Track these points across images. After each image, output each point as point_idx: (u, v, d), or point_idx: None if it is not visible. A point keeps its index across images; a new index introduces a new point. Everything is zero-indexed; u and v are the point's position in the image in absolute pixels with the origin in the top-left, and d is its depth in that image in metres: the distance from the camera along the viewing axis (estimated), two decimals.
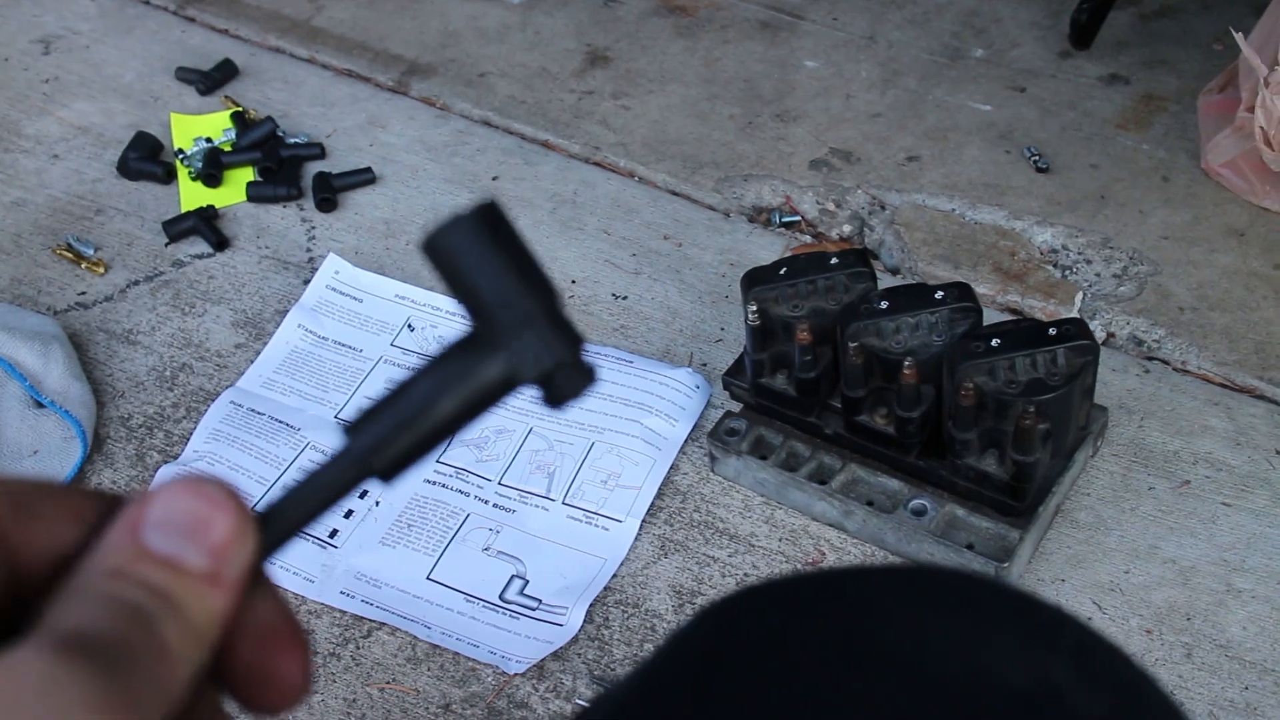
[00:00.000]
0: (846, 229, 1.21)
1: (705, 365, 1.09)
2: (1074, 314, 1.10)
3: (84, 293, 1.19)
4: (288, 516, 0.31)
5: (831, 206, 1.22)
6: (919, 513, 0.93)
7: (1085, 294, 1.11)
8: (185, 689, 0.28)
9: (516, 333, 0.31)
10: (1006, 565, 0.90)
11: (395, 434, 0.32)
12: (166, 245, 1.23)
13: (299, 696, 0.31)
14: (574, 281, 1.17)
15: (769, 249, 1.19)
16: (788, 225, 1.21)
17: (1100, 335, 1.08)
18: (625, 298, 1.15)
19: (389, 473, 0.32)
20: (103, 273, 1.21)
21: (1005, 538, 0.91)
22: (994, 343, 0.89)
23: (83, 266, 1.21)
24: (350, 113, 1.37)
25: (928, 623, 0.38)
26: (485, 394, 0.32)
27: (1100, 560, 0.93)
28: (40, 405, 1.05)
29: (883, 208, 1.21)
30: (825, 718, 0.36)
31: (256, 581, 0.31)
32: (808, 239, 1.21)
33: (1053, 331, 0.89)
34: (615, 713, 0.40)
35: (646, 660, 0.42)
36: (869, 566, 0.43)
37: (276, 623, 0.31)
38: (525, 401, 1.06)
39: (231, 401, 1.08)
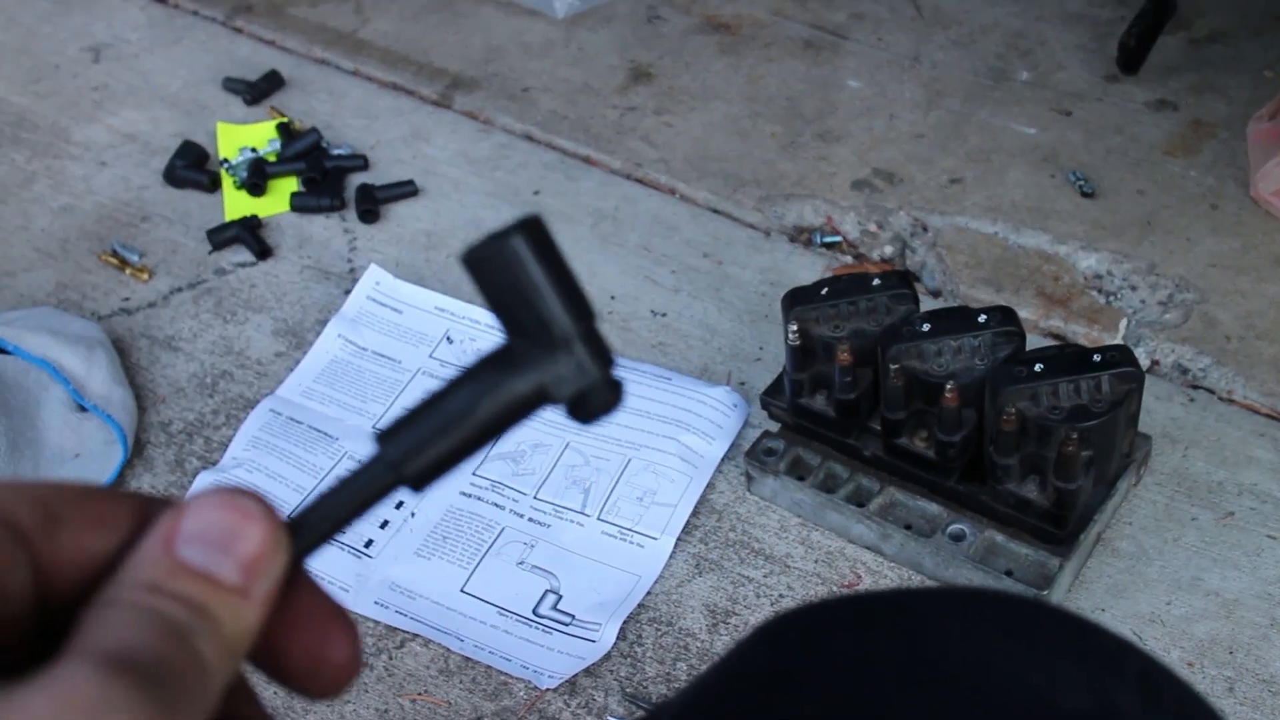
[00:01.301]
0: (888, 250, 1.20)
1: (743, 384, 1.09)
2: (1118, 341, 1.09)
3: (128, 298, 1.21)
4: (319, 524, 0.32)
5: (873, 227, 1.21)
6: (958, 538, 0.92)
7: (1130, 321, 1.10)
8: (218, 701, 0.28)
9: (552, 352, 0.32)
10: (1046, 593, 0.89)
11: (427, 443, 0.32)
12: (210, 253, 1.24)
13: (351, 677, 0.31)
14: (613, 297, 1.17)
15: (809, 269, 1.18)
16: (829, 245, 1.21)
17: (1145, 363, 1.07)
18: (664, 314, 1.15)
19: (420, 481, 0.32)
20: (147, 279, 1.22)
21: (1045, 565, 0.90)
22: (1037, 368, 0.88)
23: (127, 273, 1.22)
24: (394, 125, 1.38)
25: (992, 646, 0.38)
26: (516, 409, 0.32)
27: (1141, 590, 0.92)
28: (83, 409, 1.06)
29: (925, 229, 1.20)
30: None
31: (296, 578, 0.31)
32: (849, 260, 1.20)
33: (1097, 358, 0.88)
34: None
35: (707, 673, 0.42)
36: (933, 588, 0.43)
37: (321, 613, 0.31)
38: (563, 417, 1.05)
39: (271, 410, 1.08)
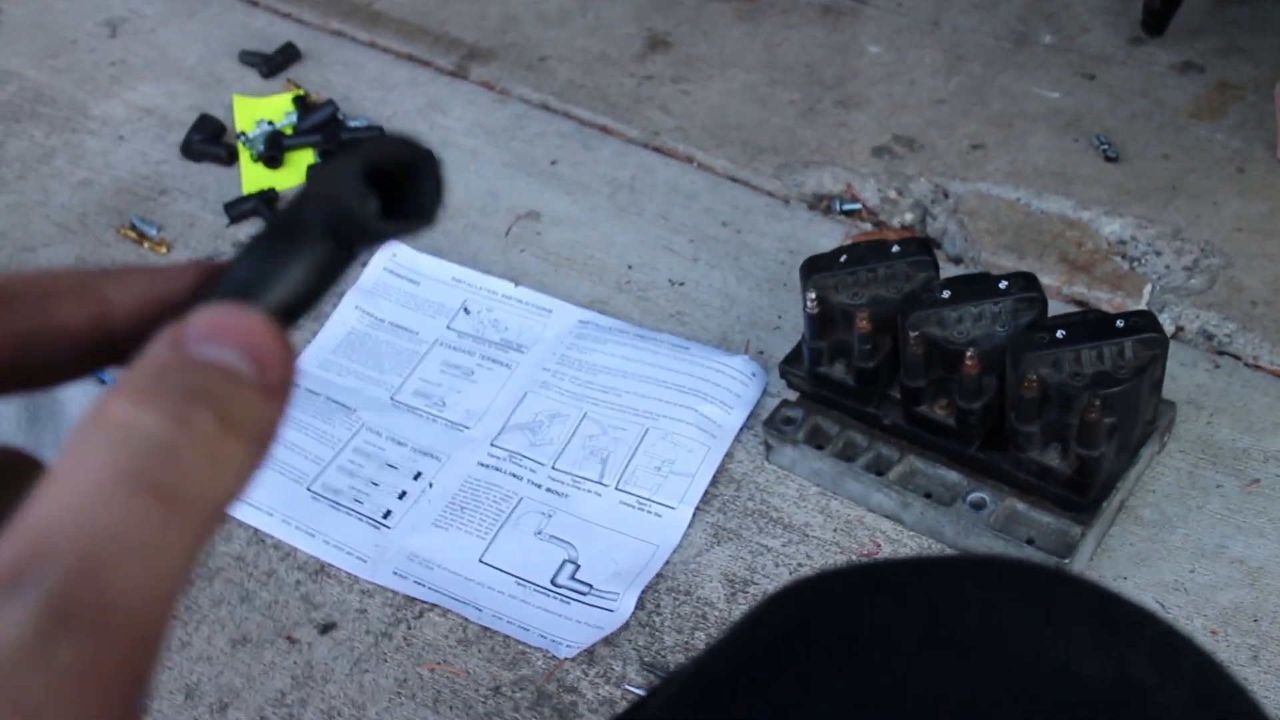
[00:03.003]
0: (908, 217, 1.19)
1: (762, 353, 1.08)
2: (1142, 306, 1.07)
3: None
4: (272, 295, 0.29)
5: (893, 194, 1.20)
6: (978, 506, 0.92)
7: (1154, 286, 1.09)
8: (231, 500, 0.25)
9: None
10: (1068, 561, 0.88)
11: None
12: (228, 226, 1.24)
13: None
14: (630, 267, 1.16)
15: (829, 236, 1.17)
16: (848, 213, 1.19)
17: (1169, 329, 1.06)
18: (683, 284, 1.15)
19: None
20: (165, 253, 1.22)
21: (1067, 533, 0.89)
22: (1059, 334, 0.86)
23: (146, 246, 1.23)
24: (410, 96, 1.37)
25: (1009, 614, 0.37)
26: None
27: (1165, 558, 0.91)
28: (103, 382, 1.06)
29: (946, 196, 1.19)
30: (901, 702, 0.35)
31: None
32: (868, 227, 1.19)
33: (1120, 324, 0.87)
34: (692, 682, 0.40)
35: (724, 635, 0.42)
36: (950, 555, 0.43)
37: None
38: (581, 387, 1.05)
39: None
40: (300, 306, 0.29)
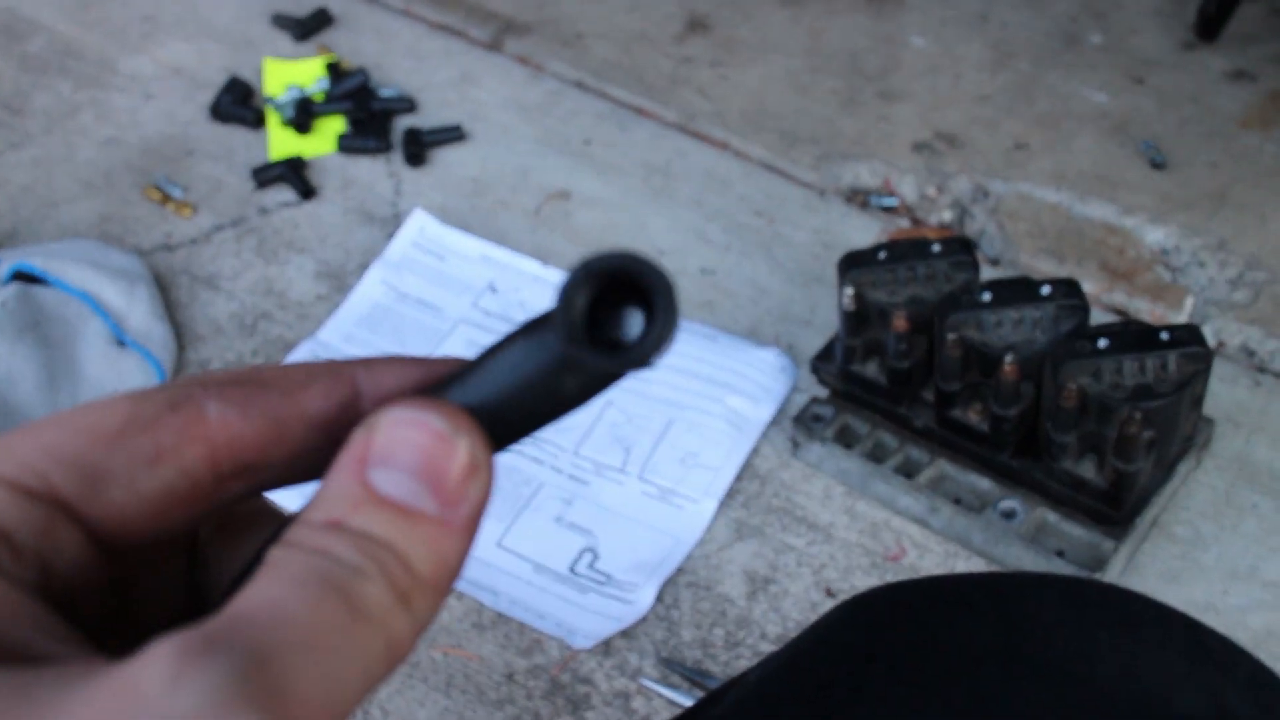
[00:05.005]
0: (947, 215, 1.16)
1: (791, 347, 1.06)
2: (1183, 318, 1.05)
3: (170, 234, 1.19)
4: (503, 417, 0.27)
5: (932, 191, 1.17)
6: (1008, 515, 0.90)
7: (1196, 298, 1.06)
8: (412, 641, 0.25)
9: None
10: (1098, 576, 0.86)
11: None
12: (254, 191, 1.22)
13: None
14: (662, 253, 1.14)
15: (864, 231, 1.15)
16: (885, 208, 1.17)
17: (1210, 343, 1.03)
18: (714, 273, 1.12)
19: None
20: (189, 215, 1.20)
21: (1098, 547, 0.88)
22: (1101, 343, 0.84)
23: (170, 208, 1.21)
24: (443, 68, 1.35)
25: (1096, 638, 0.36)
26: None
27: (1196, 578, 0.89)
28: (122, 344, 1.05)
29: (986, 195, 1.16)
30: None
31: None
32: (905, 223, 1.17)
33: (1164, 336, 0.85)
34: (759, 695, 0.39)
35: (792, 646, 0.40)
36: (1028, 573, 0.41)
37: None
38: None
39: (311, 352, 1.07)
40: (515, 417, 0.27)
